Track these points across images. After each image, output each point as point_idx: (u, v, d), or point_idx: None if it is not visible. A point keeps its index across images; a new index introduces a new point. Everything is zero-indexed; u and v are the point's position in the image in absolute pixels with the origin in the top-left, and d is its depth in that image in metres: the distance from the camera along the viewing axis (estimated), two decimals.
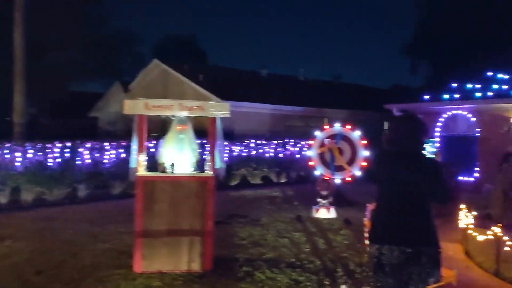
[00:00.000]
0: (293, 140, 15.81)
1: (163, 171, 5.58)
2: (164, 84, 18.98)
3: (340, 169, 9.54)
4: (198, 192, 5.39)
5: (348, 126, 9.72)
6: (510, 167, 8.92)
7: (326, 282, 5.13)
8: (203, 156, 5.84)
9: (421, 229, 3.08)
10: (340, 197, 10.11)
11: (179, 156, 5.70)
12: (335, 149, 9.43)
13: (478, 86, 13.33)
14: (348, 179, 9.60)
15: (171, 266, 5.30)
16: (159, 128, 7.43)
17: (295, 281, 5.15)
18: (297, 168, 15.00)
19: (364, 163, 9.31)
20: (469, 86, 13.53)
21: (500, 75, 13.33)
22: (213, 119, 5.59)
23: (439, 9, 26.09)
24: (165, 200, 5.35)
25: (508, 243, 5.81)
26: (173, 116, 5.72)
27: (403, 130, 3.22)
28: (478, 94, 13.06)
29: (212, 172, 5.49)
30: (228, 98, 14.21)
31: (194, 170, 5.68)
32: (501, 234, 5.79)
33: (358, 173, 9.47)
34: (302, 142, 15.34)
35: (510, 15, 23.47)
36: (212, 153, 5.58)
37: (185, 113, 5.56)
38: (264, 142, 15.09)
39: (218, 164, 5.70)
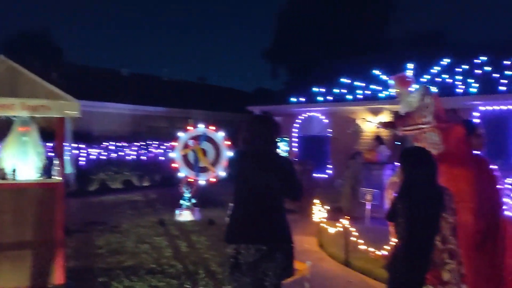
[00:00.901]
0: (157, 142, 15.42)
1: (3, 177, 4.94)
2: (11, 82, 16.92)
3: (204, 170, 9.53)
4: (45, 200, 4.89)
5: (212, 127, 9.75)
6: (356, 164, 9.82)
7: (187, 286, 5.03)
8: (53, 160, 5.29)
9: (275, 226, 3.14)
10: (204, 198, 10.11)
11: (22, 160, 5.11)
12: (199, 150, 9.39)
13: (332, 90, 14.45)
14: (213, 180, 9.63)
15: (15, 282, 4.73)
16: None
17: (154, 287, 4.96)
18: (161, 170, 14.65)
19: (227, 164, 9.42)
20: (322, 90, 14.61)
21: (348, 80, 14.62)
22: (61, 119, 5.09)
23: (296, 16, 27.86)
24: (7, 210, 4.78)
25: (355, 233, 6.35)
26: (15, 116, 5.11)
27: (255, 130, 3.26)
28: (329, 97, 14.16)
29: (61, 178, 5.00)
30: (84, 97, 13.12)
31: (40, 176, 5.12)
32: (348, 226, 6.30)
33: (222, 173, 9.55)
34: (166, 144, 15.05)
35: (360, 25, 26.12)
36: (60, 156, 5.08)
37: (28, 113, 4.97)
38: (125, 144, 14.44)
39: (68, 169, 5.22)
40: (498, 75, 11.64)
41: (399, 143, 12.07)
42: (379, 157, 9.70)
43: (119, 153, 14.14)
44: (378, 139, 10.90)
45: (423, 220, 3.00)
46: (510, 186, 7.61)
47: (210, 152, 9.61)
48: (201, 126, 9.71)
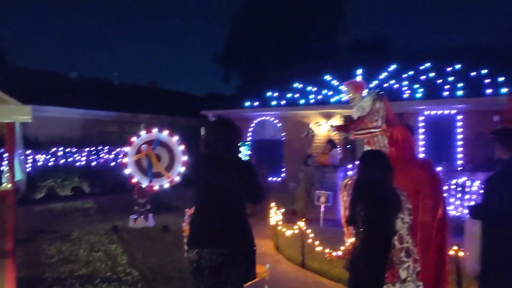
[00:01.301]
0: (108, 147, 15.05)
1: None
2: None
3: (158, 175, 9.41)
4: None
5: (166, 132, 9.65)
6: (310, 168, 10.04)
7: None
8: (1, 168, 5.07)
9: (237, 229, 3.17)
10: (159, 204, 9.98)
11: None
12: (152, 156, 9.26)
13: (285, 94, 14.67)
14: (167, 185, 9.52)
15: None
16: None
17: None
18: (112, 176, 14.28)
19: (183, 169, 9.36)
20: (275, 94, 14.81)
21: (300, 85, 14.90)
22: (11, 125, 4.89)
23: (248, 21, 28.09)
24: None
25: (311, 235, 6.48)
26: None
27: (217, 134, 3.29)
28: (282, 102, 14.37)
29: (11, 185, 4.80)
30: (30, 101, 12.56)
31: None
32: (305, 228, 6.42)
33: (177, 179, 9.47)
34: (117, 149, 14.71)
35: (311, 31, 26.69)
36: (10, 163, 4.88)
37: None
38: (74, 149, 13.99)
39: (18, 175, 5.02)
40: (441, 81, 12.26)
41: (350, 147, 12.45)
42: (332, 160, 9.94)
43: (68, 159, 13.67)
44: (330, 142, 11.17)
45: (381, 221, 3.12)
46: (454, 187, 8.04)
47: (164, 157, 9.50)
48: (154, 131, 9.59)
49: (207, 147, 3.30)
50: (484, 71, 11.97)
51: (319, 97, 13.60)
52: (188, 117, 19.66)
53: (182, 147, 9.60)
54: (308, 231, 6.48)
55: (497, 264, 2.88)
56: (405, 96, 12.11)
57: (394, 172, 3.30)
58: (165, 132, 9.61)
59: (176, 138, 9.61)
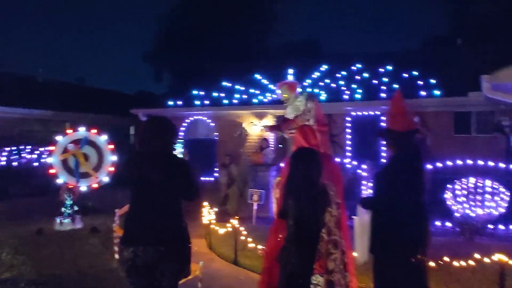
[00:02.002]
0: (30, 147, 14.24)
1: None
2: None
3: (86, 176, 9.08)
4: None
5: (94, 131, 9.33)
6: (242, 167, 10.16)
7: None
8: None
9: (173, 227, 3.18)
10: (86, 205, 9.62)
11: None
12: (79, 155, 8.93)
13: (217, 94, 14.69)
14: (95, 185, 9.22)
15: None
16: None
17: None
18: (36, 177, 13.51)
19: (112, 168, 9.11)
20: (209, 94, 14.79)
21: (233, 85, 14.99)
22: None
23: (179, 21, 27.80)
24: None
25: (244, 232, 6.58)
26: None
27: (153, 131, 3.27)
28: (215, 101, 14.38)
29: None
30: None
31: None
32: (238, 226, 6.51)
33: (105, 179, 9.19)
34: (41, 149, 13.96)
35: (247, 33, 26.90)
36: None
37: None
38: None
39: None
40: (367, 83, 12.88)
41: (282, 146, 12.73)
42: (264, 159, 10.12)
43: None
44: (263, 142, 11.37)
45: (310, 214, 3.27)
46: None
47: (92, 157, 9.19)
48: (81, 130, 9.25)
49: (143, 144, 3.27)
50: (405, 75, 12.74)
51: (254, 100, 13.75)
52: (117, 115, 19.08)
53: (111, 147, 9.34)
54: (241, 228, 6.58)
55: (384, 249, 3.32)
56: (334, 97, 12.57)
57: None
58: (93, 131, 9.31)
59: (105, 137, 9.33)
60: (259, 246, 6.33)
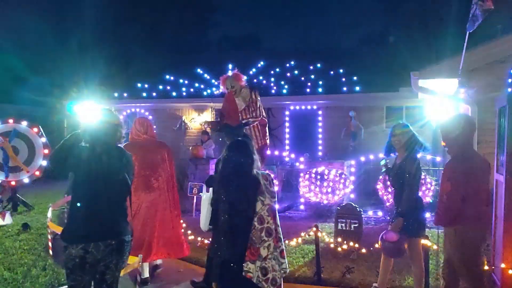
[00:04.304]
0: None
1: None
2: None
3: (16, 170, 8.66)
4: None
5: (24, 123, 8.91)
6: (182, 160, 10.09)
7: None
8: None
9: (121, 219, 3.19)
10: (17, 200, 9.17)
11: None
12: (9, 148, 8.50)
13: (155, 86, 14.45)
14: (27, 180, 8.81)
15: None
16: None
17: None
18: None
19: (46, 151, 8.76)
20: (146, 85, 14.52)
21: (172, 77, 14.82)
22: None
23: (117, 10, 26.93)
24: None
25: (184, 225, 6.56)
26: None
27: (106, 124, 3.24)
28: (153, 94, 14.15)
29: None
30: None
31: None
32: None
33: (37, 173, 8.82)
34: None
35: (185, 24, 26.52)
36: None
37: None
38: None
39: None
40: (303, 78, 13.23)
41: (222, 139, 12.79)
42: (205, 153, 10.12)
43: None
44: (204, 134, 11.35)
45: (241, 203, 3.38)
46: (314, 175, 8.78)
47: (23, 150, 8.79)
48: (10, 121, 8.80)
49: (89, 138, 3.18)
50: (340, 71, 13.21)
51: (193, 91, 13.67)
52: (50, 107, 18.23)
53: (43, 139, 8.97)
54: (181, 221, 6.55)
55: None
56: (273, 91, 12.80)
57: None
58: (24, 123, 8.88)
59: (24, 123, 8.91)
60: (199, 238, 6.36)
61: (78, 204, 3.08)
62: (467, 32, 6.26)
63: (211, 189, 3.87)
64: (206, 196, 3.96)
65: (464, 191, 3.44)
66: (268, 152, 5.95)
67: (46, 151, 8.90)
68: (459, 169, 3.53)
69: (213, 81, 13.71)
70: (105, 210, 3.09)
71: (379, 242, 4.25)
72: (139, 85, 14.69)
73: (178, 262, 6.03)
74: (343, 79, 12.65)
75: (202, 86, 13.83)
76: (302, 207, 9.11)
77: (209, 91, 13.35)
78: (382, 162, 4.59)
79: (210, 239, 3.66)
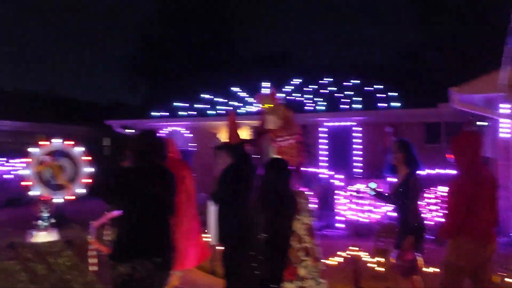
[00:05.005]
0: (1, 159, 13.95)
1: None
2: None
3: (61, 187, 8.97)
4: None
5: (70, 142, 9.24)
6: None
7: None
8: None
9: (166, 237, 3.28)
10: (62, 217, 9.48)
11: None
12: (55, 167, 8.82)
13: (192, 104, 14.71)
14: (71, 197, 9.10)
15: None
16: None
17: None
18: (7, 190, 13.22)
19: (88, 180, 9.02)
20: (185, 105, 14.79)
21: (209, 96, 15.05)
22: None
23: (157, 31, 27.80)
24: None
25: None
26: None
27: (150, 145, 3.33)
28: (191, 112, 14.40)
29: None
30: None
31: None
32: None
33: (81, 190, 9.09)
34: (12, 161, 13.69)
35: (215, 43, 27.03)
36: None
37: None
38: None
39: None
40: (340, 95, 13.15)
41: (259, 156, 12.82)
42: None
43: None
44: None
45: (281, 222, 3.38)
46: (353, 193, 8.67)
47: (67, 169, 9.09)
48: (56, 141, 9.14)
49: (140, 159, 3.30)
50: (378, 87, 13.06)
51: (235, 112, 13.75)
52: (90, 126, 18.85)
53: (87, 158, 9.26)
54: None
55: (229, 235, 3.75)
56: (308, 108, 12.77)
57: None
58: (69, 143, 9.21)
59: (80, 148, 9.24)
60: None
61: (127, 224, 3.20)
62: (508, 46, 6.12)
63: None
64: (213, 209, 4.15)
65: (469, 205, 3.45)
66: (305, 169, 5.94)
67: (89, 169, 9.16)
68: (466, 183, 3.54)
69: (248, 99, 13.84)
70: (155, 228, 3.20)
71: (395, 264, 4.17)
72: (177, 103, 14.98)
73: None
74: (381, 95, 12.50)
75: (236, 104, 13.95)
76: (339, 225, 8.99)
77: (244, 109, 13.46)
78: (373, 186, 4.55)
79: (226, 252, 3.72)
